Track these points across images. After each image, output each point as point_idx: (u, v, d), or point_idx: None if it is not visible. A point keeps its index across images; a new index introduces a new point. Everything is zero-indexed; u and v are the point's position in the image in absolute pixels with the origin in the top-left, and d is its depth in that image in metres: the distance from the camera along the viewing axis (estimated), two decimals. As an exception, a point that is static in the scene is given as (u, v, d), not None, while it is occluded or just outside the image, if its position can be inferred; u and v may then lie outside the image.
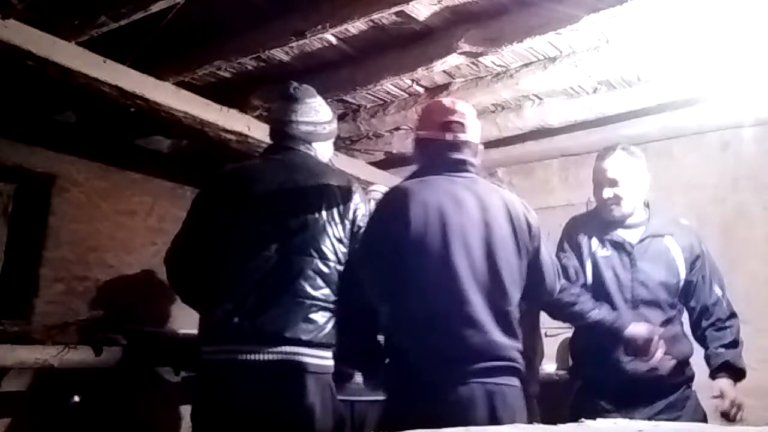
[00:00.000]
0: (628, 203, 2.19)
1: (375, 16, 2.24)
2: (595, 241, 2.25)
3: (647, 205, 2.29)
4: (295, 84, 2.03)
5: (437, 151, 1.82)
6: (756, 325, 2.81)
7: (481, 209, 1.72)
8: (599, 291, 2.19)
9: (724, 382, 2.17)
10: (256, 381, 1.74)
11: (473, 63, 2.64)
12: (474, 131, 1.86)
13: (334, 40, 2.54)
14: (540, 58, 2.60)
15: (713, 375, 2.20)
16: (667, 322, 2.16)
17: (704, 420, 2.21)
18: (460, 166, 1.80)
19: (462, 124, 1.83)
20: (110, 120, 3.06)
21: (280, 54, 2.63)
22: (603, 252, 2.23)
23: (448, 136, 1.81)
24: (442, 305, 1.64)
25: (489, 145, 3.30)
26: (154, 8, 2.11)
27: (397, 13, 2.28)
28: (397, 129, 3.32)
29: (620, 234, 2.22)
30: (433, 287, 1.65)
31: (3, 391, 2.73)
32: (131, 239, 3.55)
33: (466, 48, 2.37)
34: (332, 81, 2.77)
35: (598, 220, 2.27)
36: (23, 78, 2.49)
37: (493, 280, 1.67)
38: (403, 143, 3.38)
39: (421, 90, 2.95)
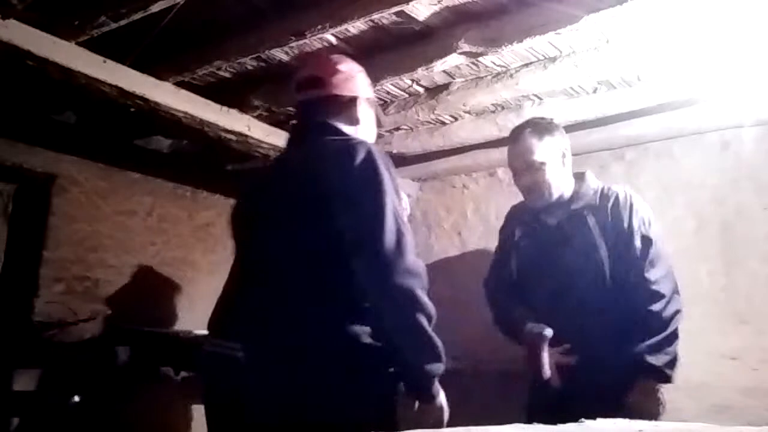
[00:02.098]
0: (553, 185, 1.97)
1: (375, 16, 2.24)
2: (518, 230, 2.06)
3: (581, 178, 2.03)
4: None
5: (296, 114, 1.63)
6: (756, 325, 2.81)
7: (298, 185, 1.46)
8: (525, 284, 1.99)
9: (647, 387, 1.79)
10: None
11: (473, 63, 2.64)
12: (340, 84, 1.57)
13: (334, 40, 2.54)
14: (540, 58, 2.60)
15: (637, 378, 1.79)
16: (595, 312, 1.87)
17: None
18: (311, 130, 1.55)
19: (315, 79, 1.58)
20: (110, 120, 3.06)
21: (280, 54, 2.63)
22: (526, 241, 2.03)
23: (300, 96, 1.60)
24: None
25: (489, 145, 3.31)
26: (154, 8, 2.11)
27: (397, 13, 2.28)
28: (397, 129, 3.32)
29: (543, 218, 2.00)
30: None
31: (3, 391, 2.73)
32: (131, 239, 3.56)
33: (466, 48, 2.36)
34: (332, 81, 2.77)
35: (527, 207, 2.07)
36: (23, 78, 2.49)
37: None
38: (404, 143, 3.39)
39: (421, 90, 2.95)
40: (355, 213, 1.40)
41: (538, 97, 2.96)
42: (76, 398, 2.96)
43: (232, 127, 2.97)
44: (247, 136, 3.03)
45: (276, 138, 3.18)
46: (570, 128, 3.11)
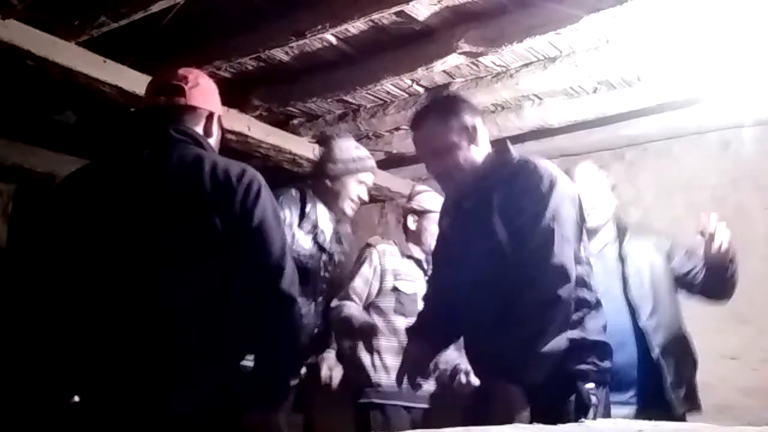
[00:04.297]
0: (465, 167, 1.78)
1: (375, 16, 2.24)
2: (444, 222, 2.04)
3: (501, 151, 1.83)
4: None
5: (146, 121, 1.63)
6: (757, 325, 2.81)
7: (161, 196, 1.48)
8: (444, 277, 1.94)
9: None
10: None
11: (473, 63, 2.64)
12: (200, 97, 1.62)
13: (334, 40, 2.54)
14: (540, 58, 2.60)
15: None
16: (495, 301, 1.64)
17: None
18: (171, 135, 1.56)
19: (175, 87, 1.60)
20: (110, 120, 3.06)
21: (280, 54, 2.63)
22: (448, 232, 2.01)
23: (157, 101, 1.62)
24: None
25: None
26: (154, 8, 2.11)
27: (397, 13, 2.28)
28: (397, 129, 3.32)
29: (461, 204, 1.85)
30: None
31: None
32: (131, 239, 3.55)
33: (466, 48, 2.37)
34: (332, 81, 2.77)
35: (448, 196, 2.05)
36: (23, 78, 2.49)
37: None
38: (403, 143, 3.38)
39: (421, 90, 2.94)
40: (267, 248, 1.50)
41: (538, 97, 2.96)
42: (76, 398, 2.95)
43: (232, 127, 2.97)
44: (247, 136, 3.03)
45: (276, 138, 3.17)
46: (570, 128, 3.13)
